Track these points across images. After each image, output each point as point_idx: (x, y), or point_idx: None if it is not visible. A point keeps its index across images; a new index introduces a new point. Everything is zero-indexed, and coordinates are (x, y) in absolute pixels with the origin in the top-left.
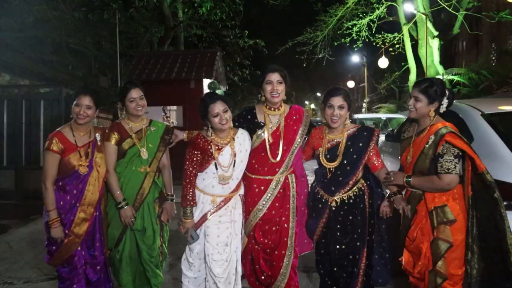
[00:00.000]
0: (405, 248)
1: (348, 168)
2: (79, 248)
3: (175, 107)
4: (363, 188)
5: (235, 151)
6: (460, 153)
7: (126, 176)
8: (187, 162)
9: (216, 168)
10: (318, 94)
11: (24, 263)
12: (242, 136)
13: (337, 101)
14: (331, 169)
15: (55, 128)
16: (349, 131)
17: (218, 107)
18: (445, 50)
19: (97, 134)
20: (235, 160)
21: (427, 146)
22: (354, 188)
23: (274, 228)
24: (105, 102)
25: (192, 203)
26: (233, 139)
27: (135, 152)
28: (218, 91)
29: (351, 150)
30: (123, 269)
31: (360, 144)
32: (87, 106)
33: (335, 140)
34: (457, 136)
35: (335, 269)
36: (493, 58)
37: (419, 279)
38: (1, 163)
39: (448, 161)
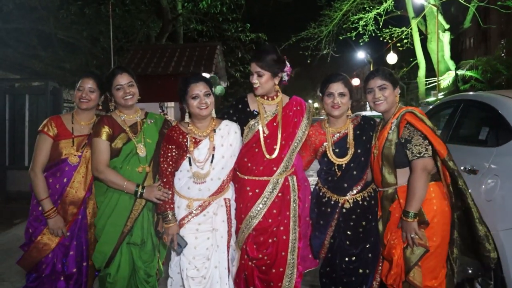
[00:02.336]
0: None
1: (363, 158)
2: (49, 255)
3: (172, 104)
4: (377, 190)
5: (214, 144)
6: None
7: None
8: (162, 159)
9: (190, 164)
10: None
11: None
12: (226, 128)
13: (337, 87)
14: (342, 166)
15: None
16: (354, 121)
17: (200, 88)
18: (452, 47)
19: None
20: (213, 155)
21: (390, 131)
22: (368, 189)
23: (270, 240)
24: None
25: (171, 206)
26: (214, 130)
27: (131, 149)
28: (218, 87)
29: (364, 138)
30: None
31: (371, 133)
32: (90, 89)
33: (342, 132)
34: (417, 117)
35: None
36: (503, 55)
37: None
38: None
39: (418, 144)
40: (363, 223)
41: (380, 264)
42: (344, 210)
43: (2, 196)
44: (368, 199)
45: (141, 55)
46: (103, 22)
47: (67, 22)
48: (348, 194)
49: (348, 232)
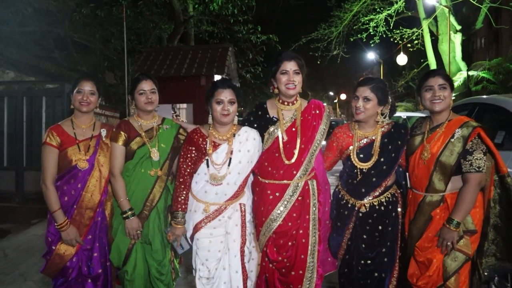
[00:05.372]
0: (413, 258)
1: (385, 167)
2: (74, 259)
3: (185, 105)
4: (396, 195)
5: (232, 148)
6: (486, 151)
7: (134, 180)
8: (181, 159)
9: (208, 166)
10: (331, 93)
11: (19, 274)
12: (245, 134)
13: (363, 91)
14: (364, 170)
15: None
16: (383, 128)
17: (225, 94)
18: (463, 48)
19: (102, 130)
20: (230, 158)
21: (453, 139)
22: (386, 194)
23: (290, 243)
24: (112, 99)
25: (184, 207)
26: (234, 135)
27: (144, 152)
28: None
29: (390, 147)
30: None
31: (399, 142)
32: (90, 91)
33: (369, 138)
34: (486, 132)
35: None
36: None
37: None
38: (1, 163)
39: (479, 158)
40: (380, 227)
41: (397, 268)
42: (360, 214)
43: (20, 196)
44: (385, 204)
45: (153, 57)
46: (115, 24)
47: (80, 24)
48: (365, 198)
49: (364, 236)
